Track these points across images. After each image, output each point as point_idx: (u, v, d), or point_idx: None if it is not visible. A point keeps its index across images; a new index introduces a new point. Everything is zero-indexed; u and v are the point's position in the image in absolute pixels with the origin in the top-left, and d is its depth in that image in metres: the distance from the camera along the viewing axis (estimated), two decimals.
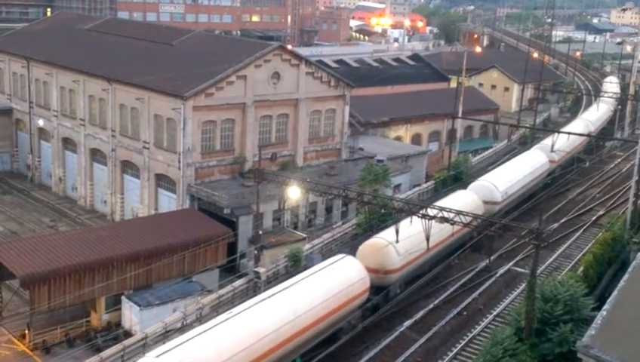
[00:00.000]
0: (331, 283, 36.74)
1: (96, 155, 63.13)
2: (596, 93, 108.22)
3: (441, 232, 43.82)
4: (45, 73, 67.79)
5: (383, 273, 41.43)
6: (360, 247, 42.41)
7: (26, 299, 41.36)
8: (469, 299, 42.47)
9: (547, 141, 68.69)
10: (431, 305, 41.62)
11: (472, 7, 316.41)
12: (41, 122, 69.29)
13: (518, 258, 48.32)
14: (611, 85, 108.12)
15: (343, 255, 39.92)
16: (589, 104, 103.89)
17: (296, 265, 45.68)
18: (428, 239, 38.67)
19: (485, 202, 52.04)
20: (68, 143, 66.66)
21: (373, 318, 40.35)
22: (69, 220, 60.97)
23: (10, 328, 40.93)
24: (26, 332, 40.03)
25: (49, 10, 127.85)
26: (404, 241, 41.65)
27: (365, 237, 45.78)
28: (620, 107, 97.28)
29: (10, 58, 73.51)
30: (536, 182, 62.91)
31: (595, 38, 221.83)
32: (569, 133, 68.26)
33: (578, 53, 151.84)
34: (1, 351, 37.38)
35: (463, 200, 48.72)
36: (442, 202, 45.75)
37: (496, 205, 53.04)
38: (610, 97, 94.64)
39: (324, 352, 36.24)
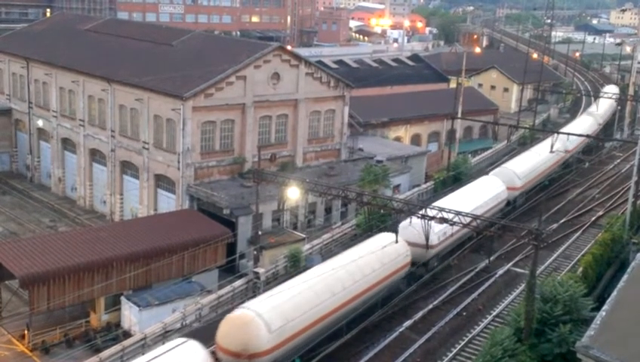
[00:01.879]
0: None
1: (95, 156, 63.13)
2: (595, 93, 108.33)
3: (349, 288, 37.01)
4: (45, 73, 67.79)
5: (247, 358, 31.13)
6: (221, 324, 32.36)
7: (26, 300, 41.36)
8: (469, 300, 42.48)
9: (510, 164, 60.69)
10: (430, 306, 41.61)
11: (471, 8, 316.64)
12: (40, 122, 69.29)
13: (517, 258, 48.32)
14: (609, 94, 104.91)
15: (184, 339, 30.99)
16: (588, 105, 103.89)
17: (296, 265, 45.67)
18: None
19: (419, 247, 44.14)
20: (67, 144, 66.66)
21: None
22: (68, 220, 60.97)
23: (10, 328, 40.91)
24: (26, 332, 40.02)
25: (48, 10, 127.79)
26: (282, 308, 32.58)
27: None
28: (619, 108, 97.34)
29: (9, 58, 73.51)
30: (489, 214, 51.57)
31: (594, 38, 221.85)
32: (568, 134, 68.30)
33: (577, 54, 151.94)
34: (1, 352, 37.38)
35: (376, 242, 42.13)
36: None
37: (431, 248, 44.63)
38: (610, 98, 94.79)
39: (323, 352, 36.24)
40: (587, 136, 73.19)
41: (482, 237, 49.74)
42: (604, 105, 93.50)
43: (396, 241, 41.50)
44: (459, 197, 49.52)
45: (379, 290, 40.08)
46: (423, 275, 45.35)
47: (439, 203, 44.91)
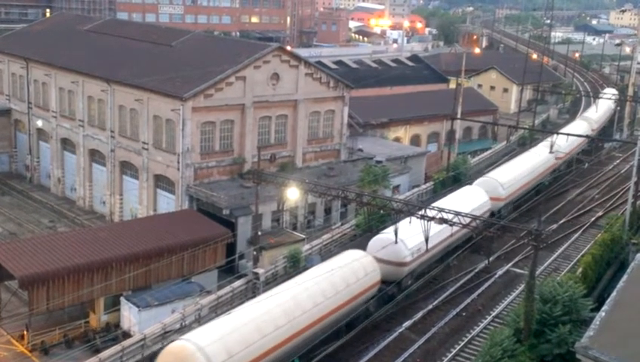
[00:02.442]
0: None
1: (95, 156, 63.11)
2: (595, 94, 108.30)
3: (308, 313, 34.14)
4: (44, 74, 67.78)
5: None
6: (159, 356, 30.15)
7: (25, 300, 41.32)
8: (468, 300, 42.51)
9: (495, 173, 57.89)
10: (430, 306, 41.63)
11: (471, 9, 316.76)
12: (40, 123, 69.27)
13: (517, 259, 48.36)
14: (608, 97, 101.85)
15: None
16: (587, 105, 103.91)
17: (296, 266, 45.68)
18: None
19: (391, 264, 41.95)
20: (67, 144, 66.64)
21: None
22: (67, 221, 60.94)
23: (9, 329, 40.86)
24: (25, 332, 39.98)
25: (48, 10, 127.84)
26: (228, 339, 29.69)
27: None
28: (618, 108, 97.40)
29: (9, 59, 73.49)
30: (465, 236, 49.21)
31: (594, 39, 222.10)
32: (567, 134, 68.32)
33: (577, 55, 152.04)
34: (0, 352, 37.34)
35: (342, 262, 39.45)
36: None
37: (404, 266, 42.23)
38: (609, 99, 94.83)
39: (323, 353, 36.24)
40: (585, 136, 73.29)
41: (463, 251, 49.11)
42: (599, 110, 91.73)
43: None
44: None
45: (343, 314, 37.15)
46: (395, 295, 42.11)
47: (407, 221, 42.68)
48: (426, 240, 39.68)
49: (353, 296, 37.64)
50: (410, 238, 41.98)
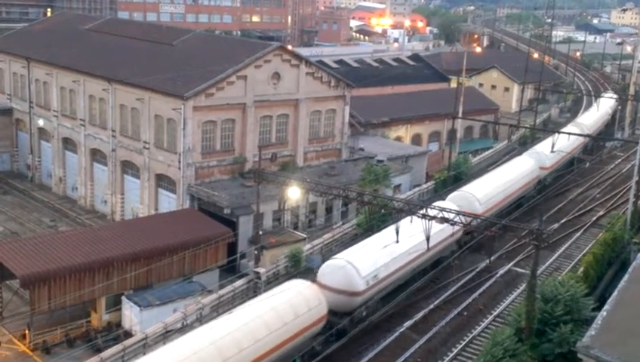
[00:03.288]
0: None
1: (96, 155, 63.13)
2: (596, 93, 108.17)
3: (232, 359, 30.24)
4: (45, 73, 67.81)
5: None
6: None
7: (26, 299, 41.36)
8: (470, 300, 42.48)
9: (471, 187, 52.67)
10: (431, 306, 41.61)
11: (472, 8, 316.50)
12: (41, 122, 69.29)
13: (518, 258, 48.33)
14: (606, 101, 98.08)
15: None
16: (589, 104, 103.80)
17: (297, 265, 45.69)
18: None
19: (342, 293, 37.73)
20: (68, 143, 66.67)
21: None
22: (69, 220, 60.97)
23: (11, 328, 40.93)
24: (27, 332, 40.03)
25: (49, 10, 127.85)
26: None
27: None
28: (619, 107, 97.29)
29: (10, 58, 73.50)
30: (442, 247, 46.05)
31: (595, 38, 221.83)
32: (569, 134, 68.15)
33: (578, 54, 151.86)
34: (2, 351, 37.38)
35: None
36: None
37: (357, 296, 37.97)
38: (609, 99, 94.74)
39: (323, 353, 36.23)
40: (587, 135, 73.18)
41: (433, 274, 47.45)
42: (595, 115, 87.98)
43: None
44: (405, 228, 40.86)
45: (278, 357, 33.13)
46: (347, 330, 37.54)
47: (384, 232, 41.08)
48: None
49: (291, 336, 33.41)
50: (365, 263, 37.88)
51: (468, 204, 48.49)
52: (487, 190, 52.03)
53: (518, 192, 57.23)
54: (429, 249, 40.79)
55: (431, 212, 37.39)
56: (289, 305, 33.70)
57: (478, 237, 48.97)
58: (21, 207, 63.74)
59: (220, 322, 31.98)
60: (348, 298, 37.44)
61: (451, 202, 47.55)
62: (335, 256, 39.71)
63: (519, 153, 69.13)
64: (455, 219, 37.10)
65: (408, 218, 43.02)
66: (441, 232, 43.01)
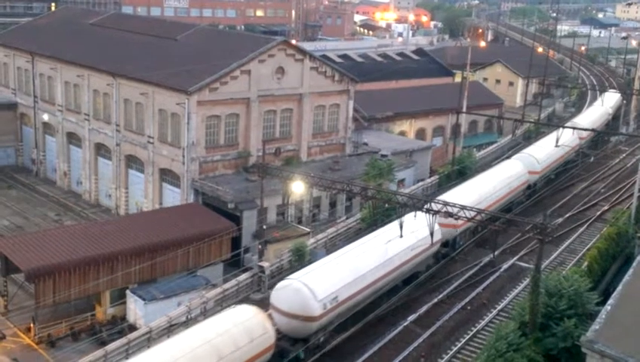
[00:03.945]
0: None
1: (100, 150, 63.25)
2: (601, 87, 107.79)
3: None
4: (50, 68, 67.89)
5: None
6: None
7: (32, 293, 41.51)
8: (473, 294, 42.51)
9: (450, 196, 46.20)
10: (435, 300, 41.64)
11: (476, 2, 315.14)
12: (45, 117, 69.43)
13: (522, 253, 48.30)
14: (608, 98, 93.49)
15: None
16: (593, 99, 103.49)
17: (301, 259, 45.76)
18: None
19: (296, 318, 34.27)
20: (72, 138, 66.79)
21: None
22: (73, 214, 61.15)
23: (16, 321, 41.12)
24: (32, 325, 40.21)
25: (53, 4, 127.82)
26: None
27: None
28: (624, 102, 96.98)
29: (14, 53, 73.61)
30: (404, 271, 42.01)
31: (600, 32, 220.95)
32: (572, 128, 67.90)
33: (583, 48, 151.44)
34: (7, 344, 37.57)
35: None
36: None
37: (313, 321, 34.30)
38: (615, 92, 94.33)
39: (327, 346, 36.31)
40: (592, 130, 72.95)
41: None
42: (592, 115, 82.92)
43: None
44: (362, 251, 38.44)
45: None
46: (300, 358, 34.64)
47: (352, 246, 38.59)
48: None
49: None
50: (323, 284, 34.60)
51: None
52: (469, 198, 46.21)
53: (504, 199, 52.96)
54: (398, 266, 38.44)
55: (434, 206, 37.36)
56: (227, 337, 30.38)
57: (459, 249, 47.45)
58: (26, 201, 63.93)
59: (144, 358, 29.26)
60: (302, 323, 33.93)
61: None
62: (289, 277, 35.86)
63: (508, 157, 65.87)
64: (459, 214, 37.04)
65: (383, 228, 42.23)
66: (416, 245, 40.98)
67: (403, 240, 40.18)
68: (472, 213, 37.41)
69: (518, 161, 59.47)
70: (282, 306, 34.20)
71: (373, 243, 39.86)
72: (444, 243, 46.25)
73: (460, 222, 43.37)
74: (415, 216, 40.93)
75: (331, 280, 35.40)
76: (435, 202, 38.25)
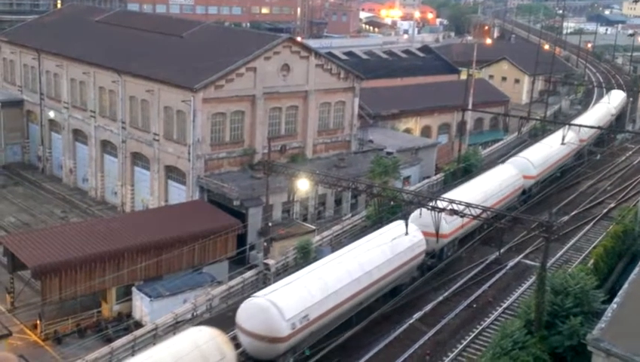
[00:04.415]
0: None
1: (106, 147, 63.40)
2: (608, 85, 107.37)
3: None
4: (56, 65, 68.06)
5: None
6: None
7: (38, 290, 41.68)
8: (479, 292, 42.43)
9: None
10: (440, 298, 41.58)
11: None
12: (51, 114, 69.61)
13: (528, 250, 48.18)
14: (614, 99, 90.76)
15: None
16: (600, 96, 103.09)
17: (306, 257, 45.78)
18: None
19: (262, 340, 31.84)
20: (78, 135, 66.96)
21: None
22: (79, 211, 61.34)
23: (22, 318, 41.30)
24: (38, 322, 40.39)
25: (59, 2, 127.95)
26: None
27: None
28: (631, 99, 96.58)
29: (21, 50, 73.83)
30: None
31: (606, 29, 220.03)
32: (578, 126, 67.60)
33: (589, 45, 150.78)
34: (14, 341, 37.69)
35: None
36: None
37: (280, 342, 31.79)
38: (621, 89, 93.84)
39: (333, 344, 36.31)
40: (598, 127, 72.67)
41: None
42: (591, 118, 77.80)
43: None
44: (337, 264, 36.23)
45: None
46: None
47: (301, 273, 34.98)
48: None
49: None
50: (292, 302, 32.14)
51: (431, 226, 41.87)
52: (456, 208, 41.71)
53: (495, 207, 47.96)
54: (379, 279, 36.09)
55: (440, 204, 37.29)
56: None
57: (446, 260, 45.20)
58: (32, 198, 64.16)
59: None
60: (269, 345, 31.38)
61: (413, 223, 41.89)
62: (256, 294, 33.33)
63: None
64: (465, 212, 36.99)
65: (364, 239, 40.09)
66: (397, 257, 38.79)
67: (383, 252, 38.14)
68: (478, 211, 37.36)
69: (512, 165, 56.56)
70: (247, 326, 31.67)
71: (350, 256, 37.24)
72: (431, 254, 44.04)
73: (447, 231, 43.54)
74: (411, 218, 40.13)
75: (302, 297, 32.76)
76: (440, 200, 38.18)
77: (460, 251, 47.57)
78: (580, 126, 66.75)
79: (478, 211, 37.62)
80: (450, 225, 44.03)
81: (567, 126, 65.58)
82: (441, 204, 38.37)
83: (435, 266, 44.72)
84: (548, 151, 61.59)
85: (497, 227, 42.92)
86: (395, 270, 39.21)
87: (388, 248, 38.85)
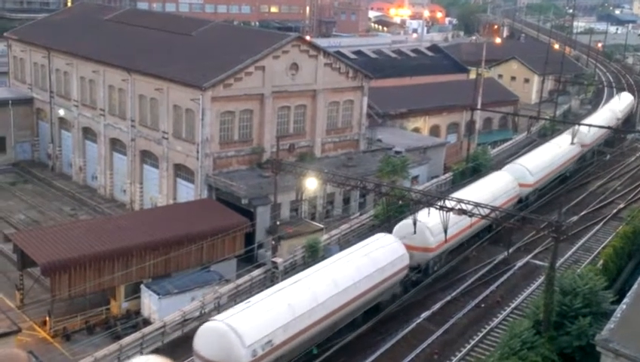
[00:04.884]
0: None
1: (115, 145, 63.63)
2: (618, 85, 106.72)
3: None
4: (66, 63, 68.35)
5: None
6: None
7: (47, 287, 41.88)
8: (487, 292, 42.36)
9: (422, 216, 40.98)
10: (448, 297, 41.54)
11: None
12: (61, 112, 69.93)
13: (536, 250, 48.06)
14: (621, 102, 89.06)
15: None
16: (610, 96, 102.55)
17: (314, 255, 45.81)
18: None
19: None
20: (88, 133, 67.23)
21: None
22: (89, 209, 61.58)
23: (32, 315, 41.49)
24: (47, 319, 40.57)
25: (69, 0, 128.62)
26: None
27: None
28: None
29: (31, 48, 74.18)
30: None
31: (617, 29, 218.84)
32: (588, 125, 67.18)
33: (600, 45, 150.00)
34: (23, 338, 37.88)
35: None
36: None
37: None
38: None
39: (340, 343, 36.33)
40: (608, 127, 72.28)
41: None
42: (598, 120, 74.52)
43: None
44: (306, 283, 33.89)
45: None
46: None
47: (267, 293, 32.85)
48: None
49: None
50: (254, 326, 30.00)
51: (420, 237, 41.12)
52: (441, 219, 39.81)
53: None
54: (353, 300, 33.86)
55: (448, 203, 37.21)
56: None
57: (432, 274, 43.40)
58: (42, 196, 64.46)
59: None
60: None
61: (396, 235, 40.98)
62: (215, 318, 31.13)
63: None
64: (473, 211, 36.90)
65: (342, 253, 38.19)
66: (377, 273, 36.73)
67: (361, 267, 36.06)
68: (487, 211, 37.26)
69: (507, 172, 54.21)
70: (204, 353, 29.46)
71: (324, 273, 34.85)
72: (416, 269, 42.00)
73: (433, 245, 41.69)
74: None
75: (265, 320, 30.36)
76: (449, 199, 38.09)
77: (447, 265, 45.18)
78: (590, 125, 66.40)
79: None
80: (437, 238, 41.78)
81: (576, 126, 65.14)
82: (426, 214, 37.61)
83: (420, 282, 42.57)
84: (547, 157, 59.45)
85: (485, 242, 42.00)
86: (374, 287, 36.91)
87: (367, 263, 36.71)
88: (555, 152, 61.48)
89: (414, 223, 39.43)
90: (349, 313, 35.89)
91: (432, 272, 43.68)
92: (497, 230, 50.05)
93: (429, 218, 40.31)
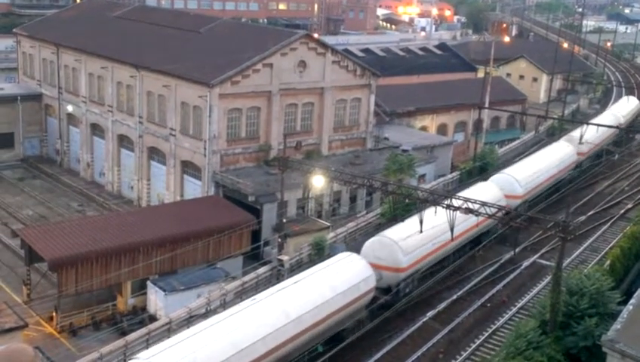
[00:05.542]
0: None
1: (123, 141, 63.81)
2: (627, 84, 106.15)
3: None
4: (74, 59, 68.58)
5: None
6: None
7: (54, 282, 42.07)
8: (493, 291, 42.29)
9: (392, 232, 40.14)
10: (454, 296, 41.49)
11: None
12: (70, 108, 70.18)
13: (543, 250, 47.95)
14: (625, 106, 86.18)
15: None
16: (619, 96, 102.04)
17: (320, 253, 45.83)
18: None
19: None
20: (96, 129, 67.45)
21: None
22: (96, 205, 61.79)
23: (39, 310, 41.70)
24: (54, 314, 40.76)
25: None
26: None
27: None
28: None
29: (40, 44, 74.46)
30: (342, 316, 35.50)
31: (626, 28, 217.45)
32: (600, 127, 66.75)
33: (609, 44, 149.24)
34: (30, 333, 38.11)
35: None
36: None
37: None
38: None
39: (344, 342, 36.34)
40: (616, 127, 71.89)
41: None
42: (591, 135, 65.25)
43: None
44: (250, 313, 30.58)
45: None
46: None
47: (203, 325, 29.44)
48: None
49: None
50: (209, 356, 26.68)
51: (390, 254, 38.37)
52: (420, 237, 38.70)
53: (466, 234, 43.91)
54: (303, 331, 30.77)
55: (454, 203, 37.13)
56: None
57: (403, 298, 39.52)
58: (50, 192, 64.74)
59: None
60: None
61: (365, 254, 38.46)
62: (137, 356, 27.62)
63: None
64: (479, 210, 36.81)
65: (297, 276, 34.96)
66: (338, 297, 33.48)
67: (318, 292, 32.71)
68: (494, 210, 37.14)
69: (493, 183, 50.30)
70: None
71: (272, 300, 31.32)
72: (387, 290, 38.81)
73: (404, 265, 38.43)
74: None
75: (197, 355, 26.47)
76: (455, 198, 38.01)
77: (421, 287, 41.11)
78: (599, 125, 66.03)
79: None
80: (409, 258, 38.91)
81: (577, 132, 63.51)
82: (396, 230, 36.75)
83: (392, 305, 38.75)
84: (540, 165, 55.79)
85: (467, 258, 41.39)
86: (333, 313, 33.43)
87: (325, 287, 33.45)
88: (548, 161, 57.87)
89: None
90: (306, 342, 32.25)
91: (403, 295, 39.58)
92: (484, 244, 48.36)
93: (400, 234, 38.36)
